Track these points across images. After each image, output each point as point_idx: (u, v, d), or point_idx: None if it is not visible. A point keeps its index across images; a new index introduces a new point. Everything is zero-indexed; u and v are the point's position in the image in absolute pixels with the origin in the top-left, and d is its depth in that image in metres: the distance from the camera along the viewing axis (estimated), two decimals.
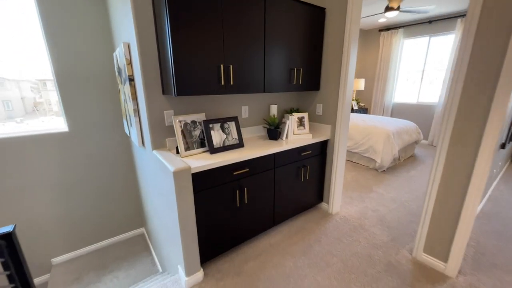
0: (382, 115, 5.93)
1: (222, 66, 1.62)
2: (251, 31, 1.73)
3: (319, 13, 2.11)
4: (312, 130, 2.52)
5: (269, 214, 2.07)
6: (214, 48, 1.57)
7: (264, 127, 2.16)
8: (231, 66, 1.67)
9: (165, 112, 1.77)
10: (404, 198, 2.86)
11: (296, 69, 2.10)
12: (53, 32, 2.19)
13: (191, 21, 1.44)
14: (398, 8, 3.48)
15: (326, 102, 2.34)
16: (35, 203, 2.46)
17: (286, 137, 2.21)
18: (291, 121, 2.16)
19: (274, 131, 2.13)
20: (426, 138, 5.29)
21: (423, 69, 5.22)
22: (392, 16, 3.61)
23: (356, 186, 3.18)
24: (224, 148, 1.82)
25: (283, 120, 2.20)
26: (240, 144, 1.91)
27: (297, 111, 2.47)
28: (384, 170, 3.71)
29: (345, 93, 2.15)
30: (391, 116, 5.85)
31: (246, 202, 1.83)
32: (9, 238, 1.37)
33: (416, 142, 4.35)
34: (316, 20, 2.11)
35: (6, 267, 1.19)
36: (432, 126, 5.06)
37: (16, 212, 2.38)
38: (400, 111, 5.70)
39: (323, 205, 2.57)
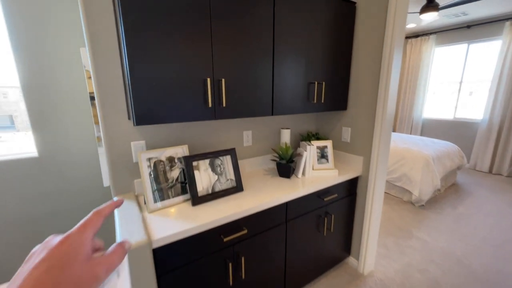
0: (410, 133, 5.20)
1: (209, 80, 1.10)
2: (254, 31, 1.21)
3: (348, 9, 1.57)
4: (336, 162, 1.93)
5: (278, 285, 1.47)
6: (197, 54, 1.06)
7: (273, 160, 1.60)
8: (222, 80, 1.14)
9: (132, 143, 1.26)
10: (459, 250, 2.16)
11: (318, 83, 1.55)
12: (19, 28, 1.78)
13: (160, 16, 0.94)
14: (437, 8, 2.88)
15: (356, 126, 1.75)
16: None
17: (303, 173, 1.63)
18: (310, 152, 1.58)
19: (286, 167, 1.56)
20: (467, 161, 4.49)
21: (460, 80, 4.51)
22: (430, 19, 3.03)
23: (390, 228, 2.50)
24: (214, 195, 1.27)
25: (298, 150, 1.64)
26: (237, 188, 1.36)
27: (317, 136, 1.90)
28: (422, 205, 3.00)
29: (385, 114, 1.56)
30: (421, 134, 5.11)
31: (243, 277, 1.24)
32: None
33: (458, 168, 3.61)
34: (343, 18, 1.57)
35: None
36: (475, 147, 4.28)
37: None
38: (432, 128, 4.96)
39: (351, 260, 1.93)
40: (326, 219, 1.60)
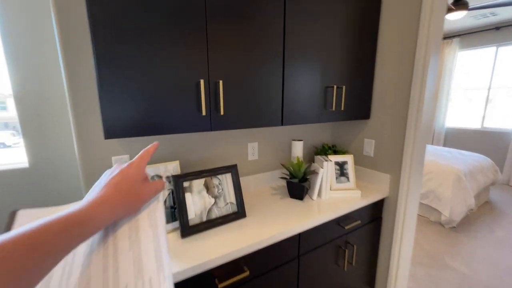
0: (432, 143, 4.81)
1: (202, 82, 0.87)
2: (259, 28, 0.99)
3: (371, 3, 1.34)
4: (358, 180, 1.65)
5: None
6: (187, 49, 0.84)
7: (283, 178, 1.35)
8: (220, 82, 0.91)
9: (113, 158, 1.05)
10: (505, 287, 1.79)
11: (337, 87, 1.30)
12: (11, 34, 1.64)
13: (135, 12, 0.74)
14: (466, 7, 2.60)
15: (382, 137, 1.48)
16: None
17: (319, 195, 1.36)
18: (327, 169, 1.32)
19: (298, 187, 1.30)
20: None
21: (488, 86, 4.13)
22: (457, 17, 2.74)
23: (419, 254, 2.16)
24: (210, 224, 1.02)
25: (313, 167, 1.38)
26: (239, 214, 1.11)
27: (334, 149, 1.63)
28: (454, 226, 2.63)
29: (419, 124, 1.29)
30: (444, 145, 4.71)
31: None
32: None
33: (492, 184, 3.21)
34: (366, 13, 1.33)
35: None
36: (508, 159, 3.85)
37: None
38: (456, 139, 4.56)
39: None
40: (346, 250, 1.32)
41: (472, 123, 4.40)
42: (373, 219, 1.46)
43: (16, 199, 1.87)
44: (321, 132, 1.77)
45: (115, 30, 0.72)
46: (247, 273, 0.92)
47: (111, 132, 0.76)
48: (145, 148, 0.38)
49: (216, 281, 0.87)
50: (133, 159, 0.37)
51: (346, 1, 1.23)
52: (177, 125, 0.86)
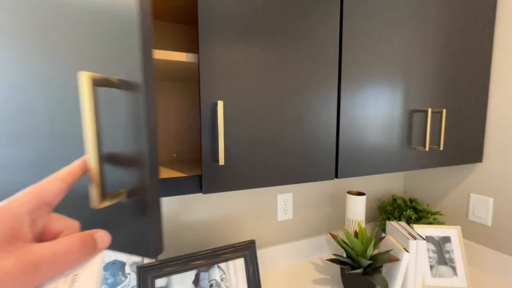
0: None
1: None
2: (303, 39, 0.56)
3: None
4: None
5: None
6: None
7: (334, 261, 0.81)
8: (220, 103, 0.49)
9: None
10: None
11: (432, 112, 0.77)
12: None
13: None
14: None
15: (507, 194, 0.86)
16: None
17: None
18: (416, 252, 0.75)
19: (363, 282, 0.75)
20: None
21: None
22: None
23: None
24: None
25: (386, 243, 0.81)
26: None
27: (412, 206, 1.04)
28: None
29: None
30: None
31: None
32: None
33: None
34: (474, 9, 0.82)
35: None
36: None
37: None
38: None
39: None
40: None
41: None
42: None
43: None
44: (387, 176, 1.20)
45: None
46: None
47: None
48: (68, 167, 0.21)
49: None
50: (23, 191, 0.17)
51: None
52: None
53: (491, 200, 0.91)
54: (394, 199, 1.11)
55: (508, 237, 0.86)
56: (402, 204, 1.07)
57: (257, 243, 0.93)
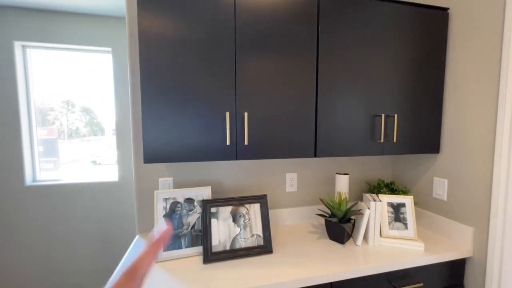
0: None
1: (228, 115, 0.94)
2: (288, 50, 1.01)
3: (435, 18, 1.16)
4: (424, 227, 1.32)
5: None
6: (215, 87, 0.94)
7: (320, 215, 1.21)
8: (245, 114, 0.96)
9: (160, 180, 1.21)
10: None
11: (385, 117, 1.14)
12: (121, 89, 2.19)
13: (175, 39, 0.89)
14: None
15: (458, 176, 1.16)
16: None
17: (365, 240, 1.16)
18: (375, 210, 1.12)
19: (337, 228, 1.14)
20: None
21: None
22: None
23: None
24: (233, 253, 1.01)
25: (359, 206, 1.19)
26: (265, 248, 1.05)
27: (391, 187, 1.39)
28: None
29: None
30: None
31: None
32: None
33: None
34: (428, 30, 1.16)
35: None
36: None
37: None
38: None
39: None
40: None
41: None
42: (449, 286, 1.10)
43: (108, 202, 2.33)
44: (377, 167, 1.54)
45: (154, 88, 0.89)
46: None
47: (148, 158, 0.89)
48: (158, 232, 0.29)
49: None
50: (139, 254, 0.27)
51: (398, 20, 1.11)
52: (202, 153, 0.94)
53: (446, 181, 1.22)
54: (378, 182, 1.46)
55: (459, 209, 1.17)
56: (382, 185, 1.41)
57: (271, 206, 1.38)
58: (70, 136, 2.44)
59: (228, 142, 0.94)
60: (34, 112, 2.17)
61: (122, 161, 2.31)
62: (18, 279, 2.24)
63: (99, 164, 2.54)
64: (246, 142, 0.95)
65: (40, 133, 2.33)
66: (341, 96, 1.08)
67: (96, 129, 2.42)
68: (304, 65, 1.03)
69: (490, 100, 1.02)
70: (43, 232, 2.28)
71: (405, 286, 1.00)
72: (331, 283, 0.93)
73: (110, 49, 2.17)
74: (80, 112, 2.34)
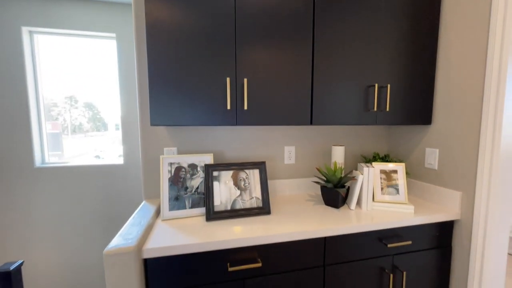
0: None
1: (228, 80, 1.00)
2: (286, 26, 1.06)
3: None
4: (417, 196, 1.38)
5: None
6: (216, 54, 1.00)
7: (317, 182, 1.28)
8: (245, 81, 1.02)
9: (165, 149, 1.29)
10: None
11: (379, 87, 1.19)
12: (125, 76, 2.24)
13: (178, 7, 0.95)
14: None
15: (448, 146, 1.22)
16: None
17: (358, 204, 1.22)
18: (368, 176, 1.18)
19: (332, 193, 1.21)
20: None
21: None
22: None
23: None
24: (233, 213, 1.08)
25: (353, 173, 1.25)
26: (263, 209, 1.13)
27: (386, 159, 1.45)
28: None
29: (499, 128, 1.01)
30: None
31: None
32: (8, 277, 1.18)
33: None
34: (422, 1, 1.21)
35: None
36: None
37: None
38: None
39: None
40: (392, 276, 1.09)
41: None
42: (437, 246, 1.17)
43: (115, 182, 2.40)
44: (373, 140, 1.60)
45: (161, 65, 0.95)
46: (259, 264, 0.91)
47: (154, 121, 0.96)
48: None
49: (228, 265, 0.90)
50: None
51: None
52: (205, 117, 1.01)
53: (437, 150, 1.28)
54: (374, 155, 1.52)
55: (448, 177, 1.23)
56: (378, 157, 1.48)
57: (269, 177, 1.45)
58: (74, 131, 2.47)
59: (228, 107, 1.00)
60: (42, 97, 2.24)
61: (127, 144, 2.38)
62: (30, 256, 2.34)
63: (103, 158, 2.60)
64: (245, 107, 1.02)
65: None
66: (336, 67, 1.14)
67: (99, 124, 2.47)
68: (301, 37, 1.08)
69: (479, 72, 1.07)
70: (53, 211, 2.37)
71: (394, 243, 1.07)
72: (325, 237, 1.01)
73: (114, 34, 2.22)
74: (83, 107, 2.39)
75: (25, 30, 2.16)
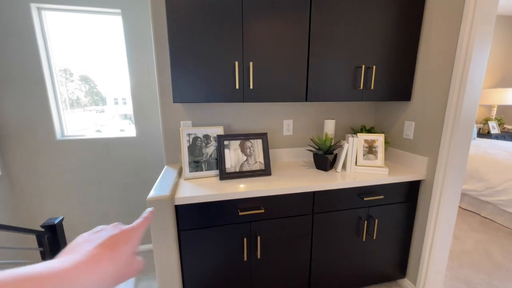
0: None
1: (237, 64, 1.19)
2: (286, 11, 1.22)
3: None
4: (394, 162, 1.64)
5: (301, 281, 1.39)
6: (228, 41, 1.17)
7: (310, 150, 1.53)
8: (251, 64, 1.20)
9: (181, 122, 1.51)
10: None
11: (365, 68, 1.38)
12: (132, 51, 2.35)
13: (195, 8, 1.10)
14: None
15: (422, 119, 1.44)
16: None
17: (343, 168, 1.48)
18: (353, 144, 1.42)
19: (322, 158, 1.46)
20: None
21: None
22: None
23: (483, 262, 1.88)
24: (241, 174, 1.34)
25: (341, 143, 1.49)
26: (265, 171, 1.38)
27: (371, 131, 1.68)
28: None
29: (461, 105, 1.22)
30: None
31: (259, 256, 1.26)
32: (53, 229, 1.47)
33: None
34: None
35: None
36: None
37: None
38: None
39: (407, 284, 1.58)
40: (367, 222, 1.39)
41: None
42: (406, 200, 1.45)
43: (128, 153, 2.65)
44: (361, 114, 1.82)
45: (180, 44, 1.12)
46: (262, 211, 1.19)
47: (176, 99, 1.17)
48: (144, 215, 0.33)
49: (238, 210, 1.18)
50: (133, 224, 0.31)
51: None
52: (217, 95, 1.21)
53: (413, 123, 1.50)
54: (361, 127, 1.74)
55: (420, 145, 1.46)
56: (364, 129, 1.71)
57: (270, 146, 1.69)
58: (72, 105, 2.42)
59: (237, 86, 1.20)
60: (55, 70, 2.35)
61: (138, 118, 2.57)
62: (67, 214, 2.66)
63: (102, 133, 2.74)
64: (251, 87, 1.21)
65: None
66: (329, 50, 1.31)
67: (97, 98, 2.41)
68: (299, 24, 1.24)
69: (450, 54, 1.25)
70: (75, 180, 2.64)
71: (369, 197, 1.35)
72: (314, 192, 1.28)
73: (119, 10, 2.29)
74: (79, 81, 2.30)
75: (33, 6, 2.23)
